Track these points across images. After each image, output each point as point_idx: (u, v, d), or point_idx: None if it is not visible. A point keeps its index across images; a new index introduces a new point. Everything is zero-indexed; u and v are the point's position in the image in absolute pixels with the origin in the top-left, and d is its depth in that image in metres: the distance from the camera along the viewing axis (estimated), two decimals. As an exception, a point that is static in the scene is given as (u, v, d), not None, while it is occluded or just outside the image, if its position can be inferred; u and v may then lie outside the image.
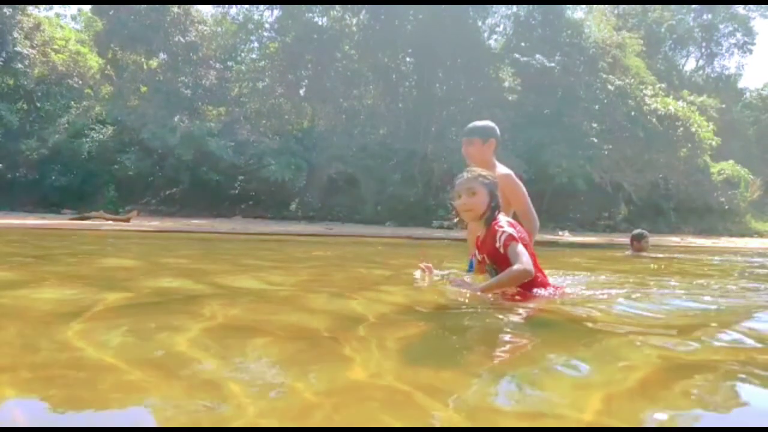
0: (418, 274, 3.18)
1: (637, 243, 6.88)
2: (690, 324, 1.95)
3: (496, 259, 2.42)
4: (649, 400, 1.08)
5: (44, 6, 23.87)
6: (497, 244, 2.35)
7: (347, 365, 1.28)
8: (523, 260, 2.25)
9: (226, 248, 6.83)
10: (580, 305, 2.25)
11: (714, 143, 27.16)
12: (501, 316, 1.96)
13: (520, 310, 2.09)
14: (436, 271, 3.16)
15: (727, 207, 29.60)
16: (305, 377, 1.17)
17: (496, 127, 3.31)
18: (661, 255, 7.51)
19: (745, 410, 1.07)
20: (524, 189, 3.17)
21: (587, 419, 0.97)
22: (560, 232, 20.76)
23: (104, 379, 1.12)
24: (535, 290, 2.39)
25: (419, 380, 1.18)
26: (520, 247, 2.31)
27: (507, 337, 1.69)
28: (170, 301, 2.24)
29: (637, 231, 7.15)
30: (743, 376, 1.27)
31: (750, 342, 1.63)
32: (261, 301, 2.33)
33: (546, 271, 2.76)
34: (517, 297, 2.31)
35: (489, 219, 2.47)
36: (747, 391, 1.17)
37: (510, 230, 2.36)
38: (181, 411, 0.97)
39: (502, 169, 3.20)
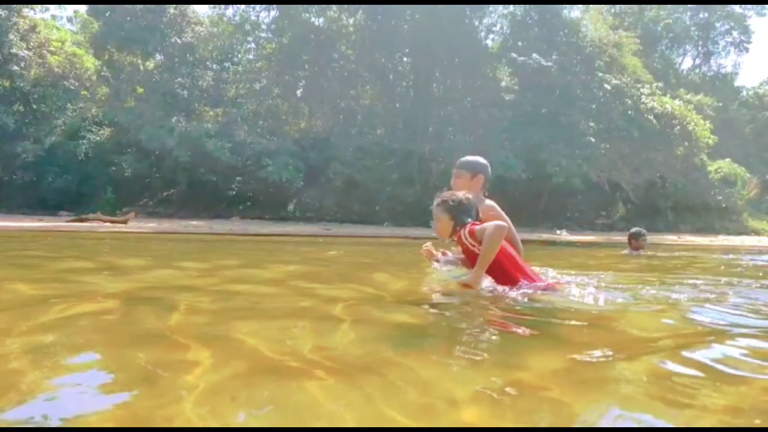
0: (437, 265, 3.20)
1: (635, 241, 6.88)
2: (661, 316, 1.98)
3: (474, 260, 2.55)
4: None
5: (40, 7, 23.75)
6: (466, 243, 2.53)
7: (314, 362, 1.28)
8: (487, 225, 2.44)
9: (223, 249, 6.81)
10: (568, 302, 2.26)
11: (711, 142, 27.21)
12: (482, 310, 1.99)
13: (504, 305, 2.13)
14: (442, 258, 3.18)
15: (724, 205, 29.67)
16: (276, 373, 1.16)
17: (488, 165, 3.32)
18: (659, 254, 7.52)
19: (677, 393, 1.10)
20: (505, 216, 3.15)
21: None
22: (558, 231, 20.76)
23: (37, 381, 1.08)
24: (520, 285, 2.46)
25: (372, 369, 1.20)
26: (480, 225, 2.50)
27: (476, 330, 1.72)
28: (153, 300, 2.22)
29: (635, 229, 7.14)
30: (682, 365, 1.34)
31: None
32: (235, 301, 2.32)
33: (542, 270, 2.77)
34: (507, 291, 2.37)
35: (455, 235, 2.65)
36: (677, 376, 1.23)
37: (468, 225, 2.55)
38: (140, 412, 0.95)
39: (487, 201, 3.23)
